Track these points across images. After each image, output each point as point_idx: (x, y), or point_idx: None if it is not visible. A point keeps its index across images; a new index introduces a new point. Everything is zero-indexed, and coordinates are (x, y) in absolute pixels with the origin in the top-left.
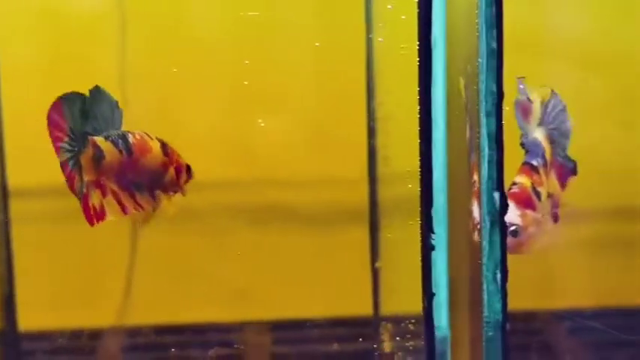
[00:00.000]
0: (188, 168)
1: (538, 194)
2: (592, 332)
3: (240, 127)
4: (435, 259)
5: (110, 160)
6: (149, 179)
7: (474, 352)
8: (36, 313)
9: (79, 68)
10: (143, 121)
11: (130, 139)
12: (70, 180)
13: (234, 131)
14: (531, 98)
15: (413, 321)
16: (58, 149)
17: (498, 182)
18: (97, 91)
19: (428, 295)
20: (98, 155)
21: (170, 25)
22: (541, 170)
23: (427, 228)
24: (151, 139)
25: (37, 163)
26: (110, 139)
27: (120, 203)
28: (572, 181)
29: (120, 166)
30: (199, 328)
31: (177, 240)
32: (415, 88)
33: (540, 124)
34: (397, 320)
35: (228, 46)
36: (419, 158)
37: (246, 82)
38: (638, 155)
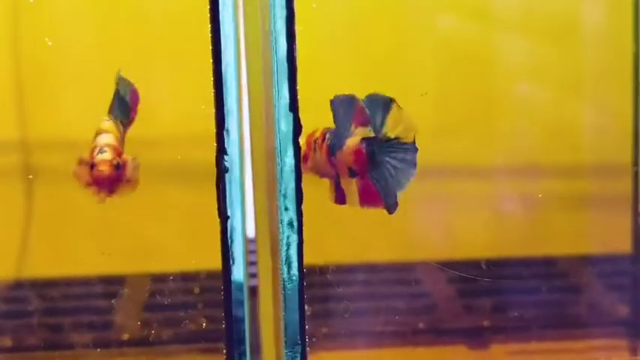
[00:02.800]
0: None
1: None
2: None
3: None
4: (230, 181)
5: None
6: None
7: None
8: None
9: None
10: None
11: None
12: None
13: None
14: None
15: None
16: None
17: (292, 103)
18: (119, 79)
19: (223, 217)
20: None
21: None
22: None
23: (220, 150)
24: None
25: None
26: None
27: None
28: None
29: None
30: (85, 281)
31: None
32: None
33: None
34: None
35: None
36: (212, 78)
37: None
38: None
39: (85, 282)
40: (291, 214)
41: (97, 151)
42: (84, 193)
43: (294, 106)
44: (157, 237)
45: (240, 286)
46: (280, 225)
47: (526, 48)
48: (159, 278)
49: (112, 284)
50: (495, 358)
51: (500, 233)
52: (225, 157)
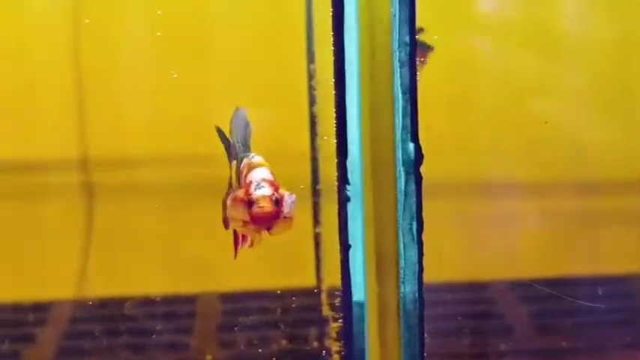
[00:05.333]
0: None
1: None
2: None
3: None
4: (351, 210)
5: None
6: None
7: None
8: None
9: None
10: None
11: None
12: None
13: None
14: None
15: None
16: None
17: (413, 133)
18: (235, 112)
19: (344, 246)
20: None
21: None
22: None
23: (342, 179)
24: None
25: None
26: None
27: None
28: None
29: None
30: (153, 300)
31: (132, 214)
32: None
33: None
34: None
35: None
36: (334, 110)
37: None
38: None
39: (150, 302)
40: (415, 239)
41: (253, 186)
42: (145, 211)
43: (415, 135)
44: (219, 255)
45: (361, 307)
46: (400, 250)
47: (551, 67)
48: (228, 298)
49: (177, 304)
50: None
51: (564, 251)
52: (347, 186)
